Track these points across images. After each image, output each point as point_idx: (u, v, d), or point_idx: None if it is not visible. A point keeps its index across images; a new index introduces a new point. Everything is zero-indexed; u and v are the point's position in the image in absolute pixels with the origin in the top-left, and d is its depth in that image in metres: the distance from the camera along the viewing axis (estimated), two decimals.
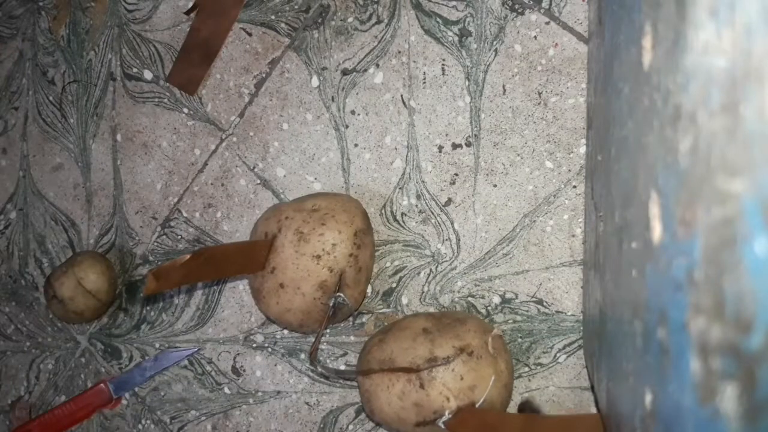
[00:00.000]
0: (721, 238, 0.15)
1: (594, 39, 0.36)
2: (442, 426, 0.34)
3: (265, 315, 0.43)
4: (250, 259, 0.38)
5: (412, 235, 0.42)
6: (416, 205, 0.42)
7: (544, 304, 0.40)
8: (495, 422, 0.33)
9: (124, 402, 0.48)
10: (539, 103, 0.40)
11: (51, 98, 0.52)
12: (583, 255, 0.39)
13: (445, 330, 0.36)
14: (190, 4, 0.48)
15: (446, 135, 0.42)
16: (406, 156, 0.42)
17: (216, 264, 0.37)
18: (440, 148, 0.42)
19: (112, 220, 0.49)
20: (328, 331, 0.43)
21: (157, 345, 0.48)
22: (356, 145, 0.43)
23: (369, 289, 0.43)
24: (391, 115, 0.43)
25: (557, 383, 0.39)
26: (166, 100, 0.48)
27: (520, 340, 0.40)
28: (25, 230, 0.52)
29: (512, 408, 0.39)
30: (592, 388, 0.33)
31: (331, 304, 0.38)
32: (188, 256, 0.34)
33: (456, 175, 0.41)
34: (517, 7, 0.40)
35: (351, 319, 0.43)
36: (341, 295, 0.39)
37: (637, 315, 0.23)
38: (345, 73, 0.44)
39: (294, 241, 0.38)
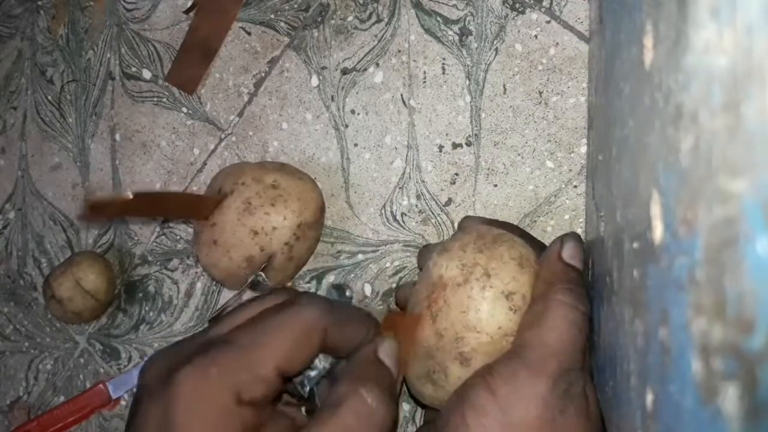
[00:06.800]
0: (722, 238, 0.15)
1: (595, 38, 0.36)
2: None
3: (197, 257, 0.44)
4: (197, 210, 0.39)
5: (412, 235, 0.42)
6: (416, 205, 0.42)
7: None
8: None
9: (123, 403, 0.48)
10: (540, 103, 0.40)
11: (50, 98, 0.52)
12: (584, 255, 0.39)
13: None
14: (189, 3, 0.48)
15: (446, 134, 0.42)
16: (406, 156, 0.42)
17: (158, 207, 0.38)
18: (440, 147, 0.42)
19: (111, 220, 0.49)
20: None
21: (156, 345, 0.48)
22: (356, 145, 0.43)
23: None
24: (391, 115, 0.43)
25: None
26: (165, 100, 0.48)
27: None
28: (24, 230, 0.52)
29: None
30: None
31: (249, 279, 0.39)
32: (129, 196, 0.34)
33: (456, 174, 0.41)
34: (517, 6, 0.40)
35: None
36: (262, 274, 0.40)
37: (638, 315, 0.22)
38: (345, 72, 0.44)
39: (240, 209, 0.39)
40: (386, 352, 0.31)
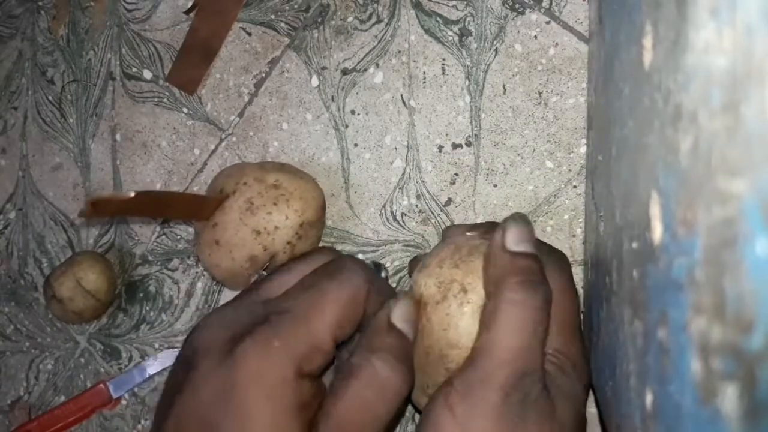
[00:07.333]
0: (721, 239, 0.15)
1: (594, 38, 0.36)
2: None
3: (197, 257, 0.44)
4: (198, 210, 0.39)
5: (412, 235, 0.42)
6: (416, 205, 0.42)
7: None
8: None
9: (123, 402, 0.48)
10: (539, 103, 0.40)
11: (50, 98, 0.52)
12: (584, 255, 0.39)
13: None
14: (190, 4, 0.48)
15: (446, 135, 0.42)
16: (406, 156, 0.42)
17: (159, 206, 0.38)
18: (440, 147, 0.42)
19: (112, 219, 0.49)
20: None
21: (157, 345, 0.48)
22: (356, 145, 0.43)
23: None
24: (391, 115, 0.43)
25: None
26: (165, 100, 0.48)
27: None
28: (25, 230, 0.52)
29: None
30: (593, 387, 0.33)
31: (252, 279, 0.40)
32: (131, 195, 0.34)
33: (456, 175, 0.41)
34: (517, 6, 0.40)
35: None
36: (264, 274, 0.40)
37: (637, 315, 0.23)
38: (345, 72, 0.44)
39: (242, 209, 0.39)
40: (399, 316, 0.30)
